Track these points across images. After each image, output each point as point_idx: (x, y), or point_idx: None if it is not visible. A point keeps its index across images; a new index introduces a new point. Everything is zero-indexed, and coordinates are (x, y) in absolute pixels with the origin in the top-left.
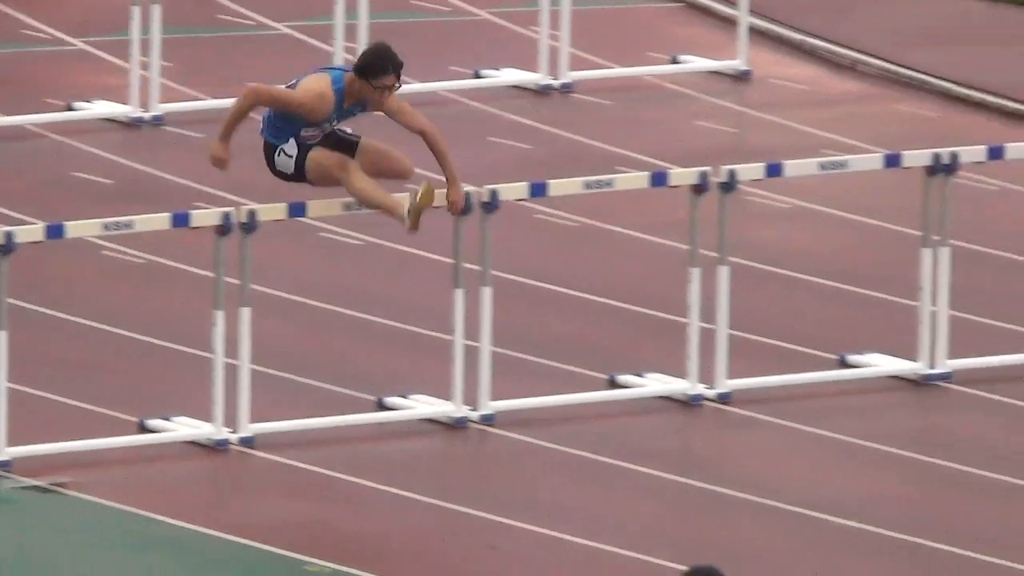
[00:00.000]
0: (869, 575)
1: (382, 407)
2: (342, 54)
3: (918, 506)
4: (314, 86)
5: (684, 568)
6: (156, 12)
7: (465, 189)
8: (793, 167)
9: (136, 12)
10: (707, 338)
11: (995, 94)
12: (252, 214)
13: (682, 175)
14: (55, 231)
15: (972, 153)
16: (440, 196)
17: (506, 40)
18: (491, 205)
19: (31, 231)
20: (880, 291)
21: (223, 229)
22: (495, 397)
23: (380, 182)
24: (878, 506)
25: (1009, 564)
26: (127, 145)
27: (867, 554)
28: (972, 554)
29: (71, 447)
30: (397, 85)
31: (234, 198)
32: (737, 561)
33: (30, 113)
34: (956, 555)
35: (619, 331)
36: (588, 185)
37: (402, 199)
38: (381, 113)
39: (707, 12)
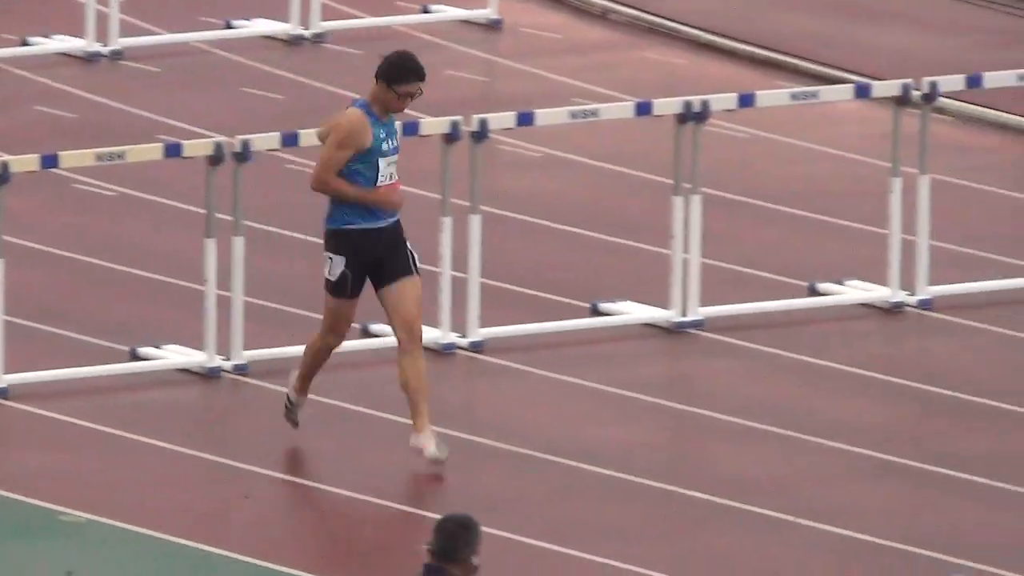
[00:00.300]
0: (624, 522)
1: (136, 357)
2: (94, 5)
3: (671, 453)
4: (339, 119)
5: (438, 517)
6: None
7: (217, 140)
8: (544, 116)
9: None
10: (460, 287)
11: (745, 42)
12: (5, 165)
13: (434, 124)
14: None
15: (722, 101)
16: None
17: None
18: (243, 156)
19: None
20: (632, 239)
21: None
22: (248, 346)
23: None
24: (632, 453)
25: (758, 510)
26: None
27: (621, 501)
28: (725, 501)
29: None
30: (419, 93)
31: None
32: (491, 510)
33: None
34: (708, 501)
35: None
36: None
37: (299, 401)
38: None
39: None
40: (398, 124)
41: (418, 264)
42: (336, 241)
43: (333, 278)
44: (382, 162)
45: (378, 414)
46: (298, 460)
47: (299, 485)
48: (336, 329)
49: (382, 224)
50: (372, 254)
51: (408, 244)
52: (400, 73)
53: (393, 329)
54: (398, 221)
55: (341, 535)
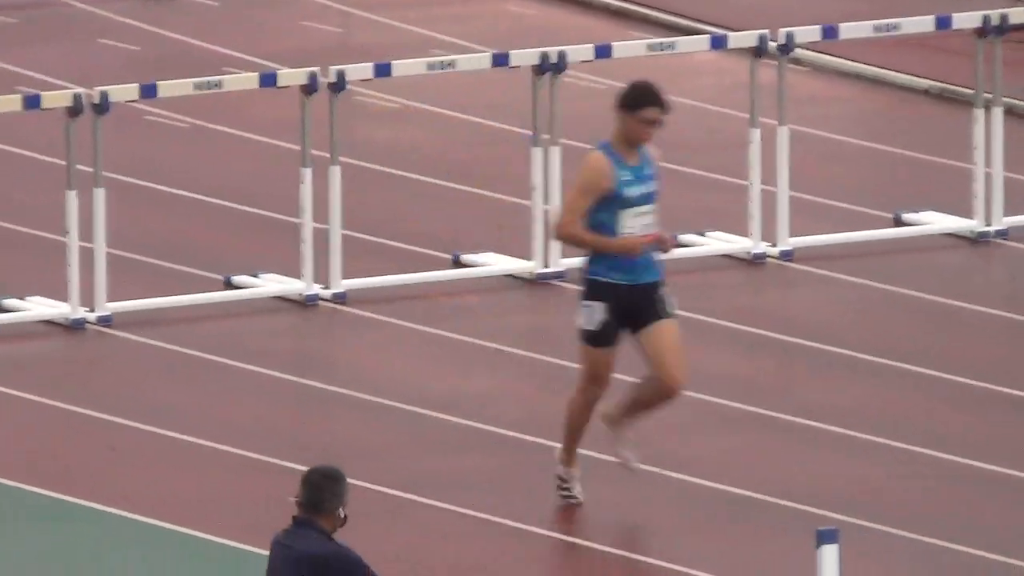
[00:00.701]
0: (485, 472)
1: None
2: None
3: (529, 403)
4: (583, 164)
5: (304, 468)
6: None
7: (76, 91)
8: (402, 67)
9: None
10: (321, 238)
11: None
12: None
13: (291, 75)
14: None
15: (580, 52)
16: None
17: None
18: (102, 107)
19: None
20: (491, 190)
21: None
22: (112, 298)
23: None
24: (492, 404)
25: (601, 457)
26: None
27: (482, 451)
28: (587, 452)
29: None
30: (661, 120)
31: None
32: (356, 459)
33: None
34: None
35: (233, 232)
36: (198, 86)
37: (571, 475)
38: None
39: None
40: (653, 169)
41: (675, 307)
42: (595, 290)
43: (593, 327)
44: (624, 213)
45: (239, 364)
46: (161, 412)
47: (162, 436)
48: (598, 381)
49: (641, 282)
50: (629, 307)
51: (664, 291)
52: (639, 98)
53: (654, 373)
54: (659, 280)
55: (205, 486)
